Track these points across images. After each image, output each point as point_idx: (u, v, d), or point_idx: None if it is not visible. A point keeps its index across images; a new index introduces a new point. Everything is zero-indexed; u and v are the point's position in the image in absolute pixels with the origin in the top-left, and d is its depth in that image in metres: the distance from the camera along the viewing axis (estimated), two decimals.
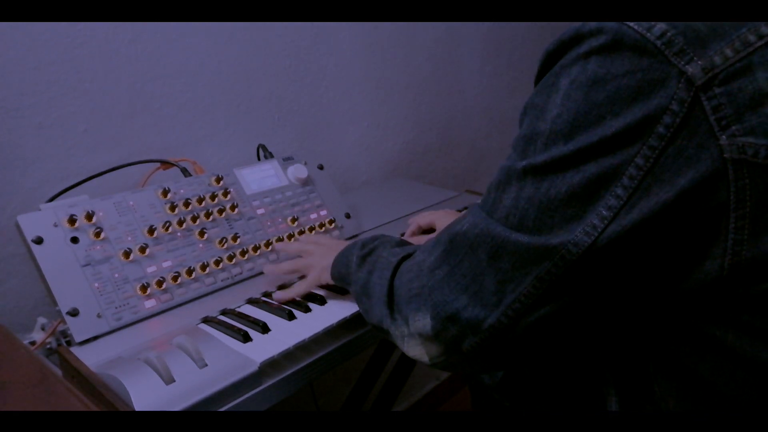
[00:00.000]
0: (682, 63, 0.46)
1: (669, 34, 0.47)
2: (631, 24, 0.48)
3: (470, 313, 0.57)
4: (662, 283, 0.52)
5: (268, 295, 0.90)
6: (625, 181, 0.48)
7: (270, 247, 1.00)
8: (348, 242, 0.86)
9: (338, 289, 0.88)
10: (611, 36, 0.48)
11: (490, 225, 0.55)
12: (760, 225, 0.47)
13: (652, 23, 0.47)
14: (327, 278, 0.85)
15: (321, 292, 0.89)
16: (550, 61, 0.54)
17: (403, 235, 1.11)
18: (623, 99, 0.48)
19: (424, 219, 1.10)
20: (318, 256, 0.89)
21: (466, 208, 1.20)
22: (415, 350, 0.63)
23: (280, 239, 1.01)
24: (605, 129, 0.49)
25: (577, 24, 0.52)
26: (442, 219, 1.07)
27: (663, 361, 0.56)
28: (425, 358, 0.63)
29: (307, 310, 0.84)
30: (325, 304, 0.86)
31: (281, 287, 0.92)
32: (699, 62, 0.46)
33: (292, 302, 0.86)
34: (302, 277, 0.92)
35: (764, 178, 0.46)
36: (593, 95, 0.49)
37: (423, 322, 0.60)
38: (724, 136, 0.46)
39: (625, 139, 0.48)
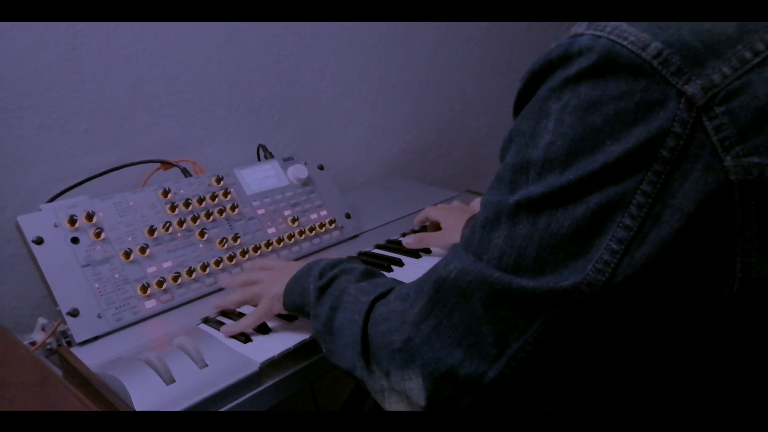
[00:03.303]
0: (681, 83, 0.44)
1: (665, 53, 0.45)
2: (625, 43, 0.45)
3: (468, 369, 0.52)
4: (672, 311, 0.50)
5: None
6: (633, 211, 0.46)
7: (270, 248, 1.00)
8: (298, 264, 0.79)
9: (292, 317, 0.81)
10: (603, 56, 0.46)
11: (483, 270, 0.51)
12: (767, 246, 0.45)
13: (647, 42, 0.45)
14: (279, 308, 0.77)
15: (273, 324, 0.81)
16: (534, 83, 0.51)
17: (405, 235, 1.11)
18: (622, 122, 0.45)
19: (433, 212, 1.08)
20: (267, 284, 0.80)
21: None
22: (398, 407, 0.58)
23: (280, 240, 1.01)
24: (606, 155, 0.46)
25: (563, 41, 0.49)
26: (449, 219, 1.05)
27: (671, 383, 0.54)
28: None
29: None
30: None
31: (224, 313, 0.85)
32: (698, 81, 0.44)
33: None
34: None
35: None
36: (589, 119, 0.46)
37: (414, 382, 0.55)
38: (728, 157, 0.44)
39: (629, 164, 0.45)
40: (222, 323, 0.81)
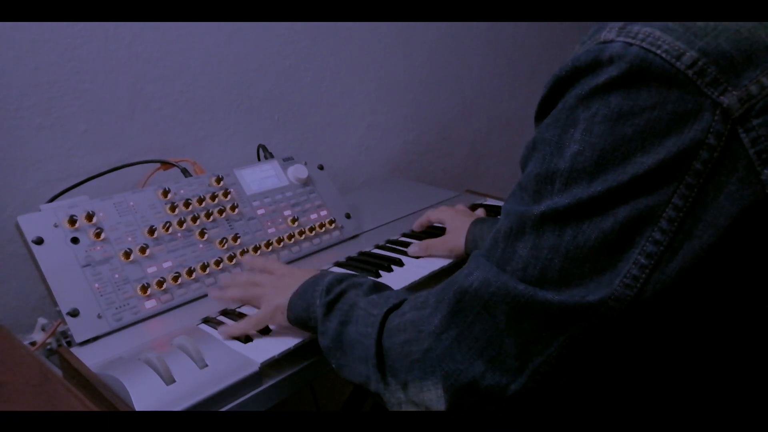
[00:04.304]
0: (716, 94, 0.43)
1: (700, 62, 0.43)
2: (658, 52, 0.44)
3: (490, 381, 0.51)
4: (703, 325, 0.49)
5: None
6: (664, 225, 0.45)
7: (270, 248, 1.00)
8: (301, 272, 0.78)
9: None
10: (636, 65, 0.44)
11: (507, 282, 0.50)
12: None
13: (681, 51, 0.43)
14: (282, 320, 0.75)
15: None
16: (560, 89, 0.49)
17: (404, 235, 1.11)
18: (654, 133, 0.44)
19: (435, 215, 1.08)
20: (270, 290, 0.79)
21: (479, 206, 1.20)
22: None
23: (280, 240, 1.01)
24: (636, 166, 0.44)
25: (592, 47, 0.47)
26: (453, 220, 1.04)
27: (700, 396, 0.53)
28: None
29: None
30: None
31: (224, 313, 0.85)
32: (734, 92, 0.43)
33: None
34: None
35: None
36: (619, 130, 0.45)
37: (434, 393, 0.54)
38: (766, 171, 0.43)
39: (661, 177, 0.44)
40: (222, 323, 0.81)
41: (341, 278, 0.71)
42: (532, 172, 0.50)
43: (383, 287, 0.70)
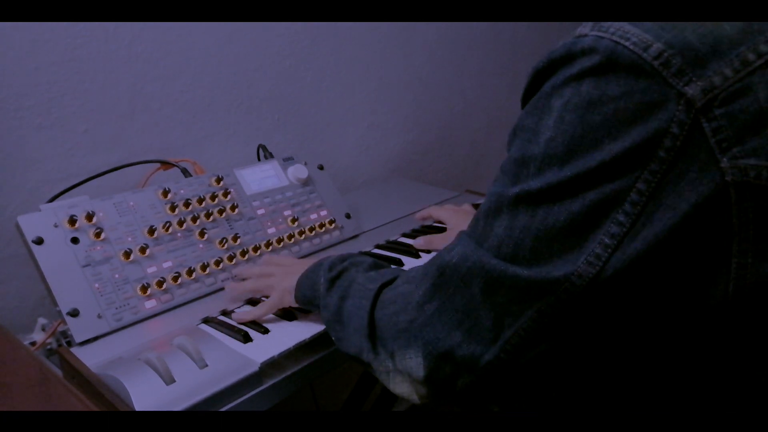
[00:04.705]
0: (681, 84, 0.45)
1: (666, 54, 0.45)
2: (626, 44, 0.46)
3: (466, 350, 0.54)
4: (665, 309, 0.51)
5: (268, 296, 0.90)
6: (627, 208, 0.47)
7: (270, 248, 1.00)
8: (309, 261, 0.82)
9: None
10: (606, 56, 0.47)
11: (482, 257, 0.53)
12: (763, 248, 0.46)
13: (648, 43, 0.45)
14: (290, 301, 0.81)
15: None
16: (538, 80, 0.52)
17: (404, 235, 1.11)
18: (621, 122, 0.46)
19: (438, 212, 1.09)
20: (279, 277, 0.84)
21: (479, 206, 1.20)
22: (402, 387, 0.61)
23: (280, 240, 1.01)
24: (604, 153, 0.47)
25: (567, 41, 0.50)
26: (452, 219, 1.05)
27: (664, 381, 0.55)
28: (414, 397, 0.60)
29: (308, 310, 0.84)
30: None
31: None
32: (698, 83, 0.44)
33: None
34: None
35: (767, 200, 0.45)
36: (589, 118, 0.47)
37: (414, 361, 0.58)
38: (725, 159, 0.44)
39: (626, 163, 0.46)
40: (223, 323, 0.81)
41: (344, 257, 0.76)
42: (511, 157, 0.54)
43: (382, 265, 0.74)
